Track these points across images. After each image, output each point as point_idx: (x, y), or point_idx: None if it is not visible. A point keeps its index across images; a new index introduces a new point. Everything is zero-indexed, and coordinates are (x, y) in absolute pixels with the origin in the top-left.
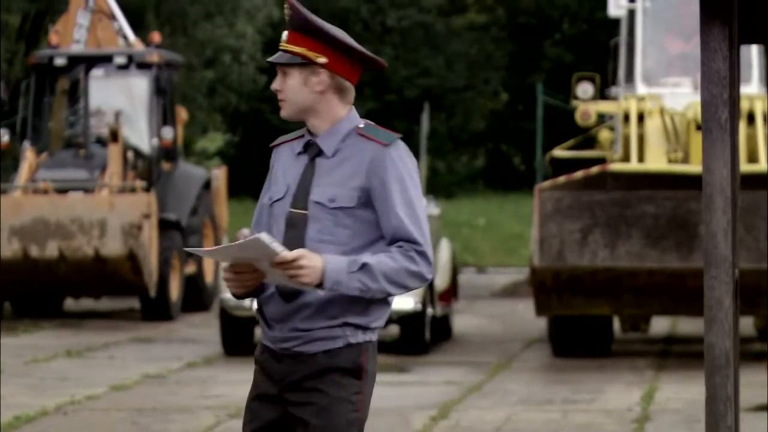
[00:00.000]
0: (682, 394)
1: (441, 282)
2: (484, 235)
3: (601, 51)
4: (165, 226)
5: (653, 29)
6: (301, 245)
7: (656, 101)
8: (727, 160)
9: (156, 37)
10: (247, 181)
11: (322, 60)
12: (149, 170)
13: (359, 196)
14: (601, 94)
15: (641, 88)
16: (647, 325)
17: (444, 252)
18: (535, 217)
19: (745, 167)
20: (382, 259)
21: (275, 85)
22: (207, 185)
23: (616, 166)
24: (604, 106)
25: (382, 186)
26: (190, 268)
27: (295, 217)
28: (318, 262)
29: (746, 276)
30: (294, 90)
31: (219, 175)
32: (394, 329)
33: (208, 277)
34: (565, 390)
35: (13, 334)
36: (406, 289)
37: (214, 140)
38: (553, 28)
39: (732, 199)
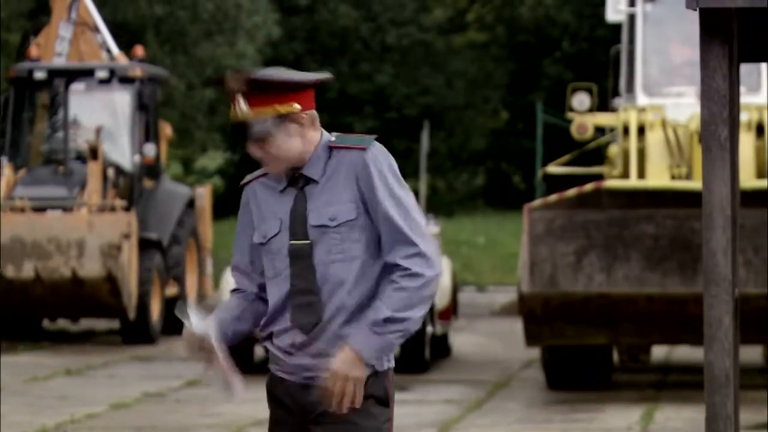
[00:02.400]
0: (682, 413)
1: (441, 300)
2: (483, 253)
3: (601, 69)
4: (146, 246)
5: (655, 35)
6: (311, 272)
7: (658, 112)
8: (727, 179)
9: (139, 51)
10: None
11: (297, 107)
12: (131, 188)
13: (356, 207)
14: (604, 106)
15: (642, 99)
16: (648, 356)
17: (444, 270)
18: (524, 238)
19: (754, 183)
20: (392, 298)
21: (258, 154)
22: (191, 204)
23: (611, 183)
24: (602, 119)
25: (370, 190)
26: (172, 290)
27: (298, 249)
28: (347, 361)
29: (754, 301)
30: (283, 148)
31: (203, 193)
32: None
33: (191, 300)
34: (564, 409)
35: (12, 352)
36: (428, 301)
37: (214, 159)
38: (553, 47)
39: (732, 217)
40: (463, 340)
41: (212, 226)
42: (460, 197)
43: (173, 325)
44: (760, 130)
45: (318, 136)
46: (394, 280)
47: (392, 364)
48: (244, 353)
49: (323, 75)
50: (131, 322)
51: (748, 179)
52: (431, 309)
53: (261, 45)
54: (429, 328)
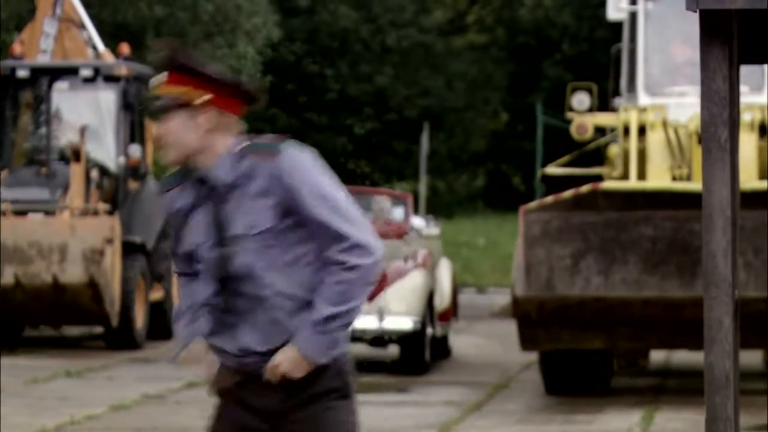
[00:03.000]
0: (683, 415)
1: (441, 302)
2: (483, 255)
3: (601, 71)
4: (130, 250)
5: (657, 34)
6: (232, 280)
7: (659, 112)
8: (727, 180)
9: (125, 48)
10: None
11: (207, 97)
12: (115, 189)
13: (274, 214)
14: (604, 107)
15: (643, 99)
16: (646, 360)
17: (444, 272)
18: (519, 241)
19: (754, 184)
20: (331, 292)
21: (156, 132)
22: None
23: (608, 185)
24: (602, 119)
25: (290, 195)
26: (157, 295)
27: (222, 256)
28: (290, 360)
29: (753, 304)
30: (178, 133)
31: None
32: (394, 349)
33: (177, 304)
34: (564, 410)
35: (12, 354)
36: (369, 287)
37: None
38: (552, 48)
39: (732, 219)
40: (463, 341)
41: None
42: (460, 199)
43: (158, 330)
44: (762, 130)
45: (229, 141)
46: (332, 273)
47: (343, 350)
48: None
49: (253, 89)
50: (115, 328)
51: (750, 179)
52: (431, 310)
53: (261, 46)
54: (429, 330)
